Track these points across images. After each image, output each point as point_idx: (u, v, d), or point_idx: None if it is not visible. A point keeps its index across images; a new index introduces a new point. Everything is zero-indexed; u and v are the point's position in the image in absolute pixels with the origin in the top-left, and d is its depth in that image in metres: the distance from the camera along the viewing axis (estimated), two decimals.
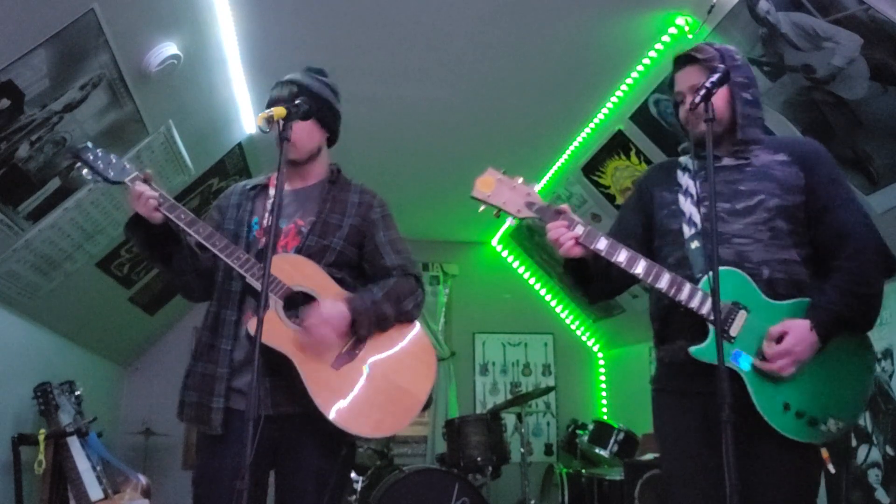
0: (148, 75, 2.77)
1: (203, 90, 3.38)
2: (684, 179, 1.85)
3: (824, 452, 1.66)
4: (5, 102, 2.27)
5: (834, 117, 2.79)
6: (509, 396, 5.82)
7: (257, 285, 1.76)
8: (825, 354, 1.62)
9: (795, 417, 1.61)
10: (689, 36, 3.10)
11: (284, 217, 1.96)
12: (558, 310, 6.40)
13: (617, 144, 4.09)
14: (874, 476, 2.99)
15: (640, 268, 1.71)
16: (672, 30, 3.17)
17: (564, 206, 1.76)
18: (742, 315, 1.66)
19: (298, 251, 1.90)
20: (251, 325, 1.70)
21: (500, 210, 1.77)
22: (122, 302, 4.27)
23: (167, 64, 2.78)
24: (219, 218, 2.02)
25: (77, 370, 3.96)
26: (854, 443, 3.09)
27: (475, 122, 4.05)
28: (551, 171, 4.76)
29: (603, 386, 6.21)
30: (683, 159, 1.90)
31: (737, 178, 1.77)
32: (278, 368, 1.80)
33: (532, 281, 6.42)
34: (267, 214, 1.96)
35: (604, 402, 6.15)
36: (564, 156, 4.55)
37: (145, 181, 1.84)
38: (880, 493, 2.96)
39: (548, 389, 4.92)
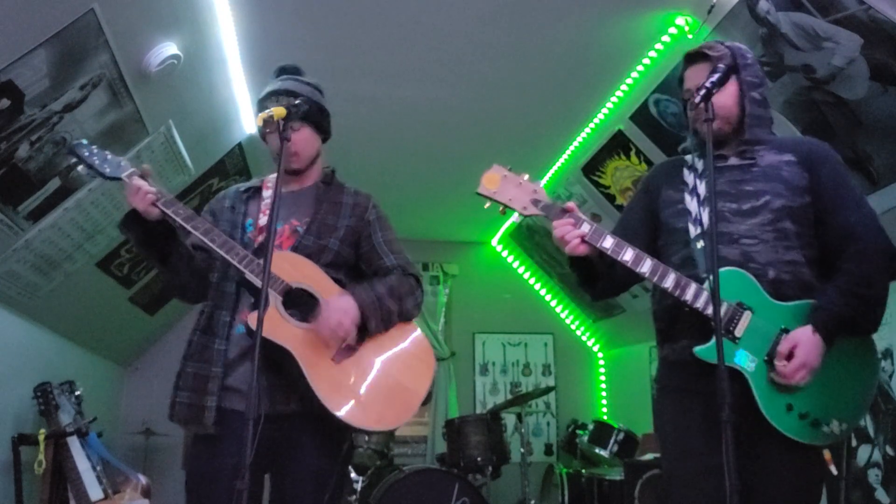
0: (148, 75, 2.77)
1: (203, 90, 3.38)
2: (691, 178, 1.84)
3: (827, 454, 1.66)
4: (5, 102, 2.27)
5: (834, 117, 2.79)
6: (509, 396, 5.82)
7: (256, 281, 1.76)
8: (829, 356, 1.62)
9: (799, 419, 1.61)
10: (689, 36, 3.10)
11: (279, 218, 1.96)
12: (558, 310, 6.40)
13: (617, 144, 4.09)
14: (874, 476, 2.99)
15: (645, 267, 1.70)
16: (672, 30, 3.17)
17: (570, 204, 1.76)
18: (747, 315, 1.66)
19: (294, 251, 1.90)
20: (251, 320, 1.69)
21: (505, 207, 1.76)
22: (122, 302, 4.27)
23: (167, 64, 2.78)
24: (212, 220, 2.00)
25: (77, 370, 3.96)
26: (854, 443, 3.09)
27: (475, 122, 4.05)
28: (551, 171, 4.76)
29: (603, 386, 6.21)
30: (690, 158, 1.89)
31: (743, 178, 1.77)
32: (276, 366, 1.79)
33: (532, 281, 6.42)
34: (263, 211, 1.96)
35: (604, 402, 6.15)
36: (564, 156, 4.55)
37: (143, 177, 1.83)
38: (880, 493, 2.96)
39: (548, 389, 4.92)
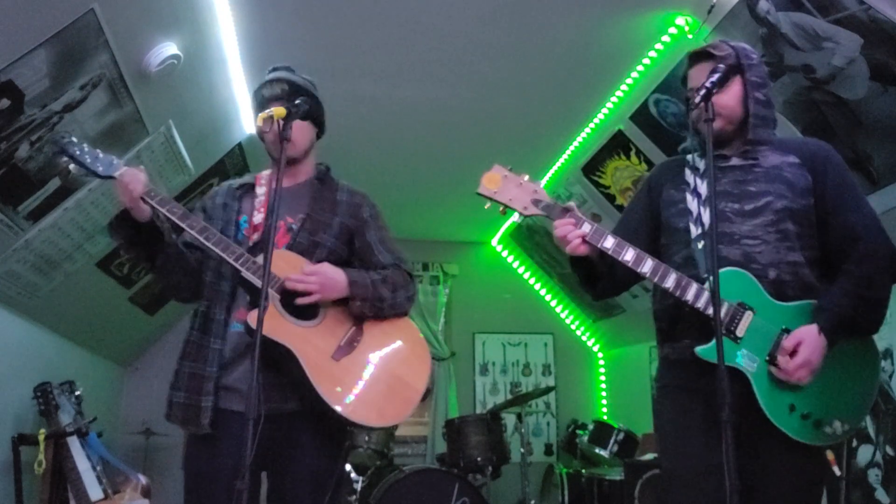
0: (148, 75, 2.77)
1: (203, 90, 3.38)
2: (692, 178, 1.84)
3: (830, 455, 1.66)
4: (5, 102, 2.27)
5: (834, 117, 2.79)
6: (509, 396, 5.82)
7: (254, 279, 1.76)
8: (831, 357, 1.62)
9: (801, 419, 1.61)
10: (689, 36, 3.10)
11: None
12: (558, 310, 6.40)
13: (617, 144, 4.09)
14: (874, 476, 2.99)
15: (646, 267, 1.70)
16: (672, 30, 3.17)
17: (571, 204, 1.76)
18: (748, 316, 1.66)
19: (289, 248, 1.90)
20: (251, 319, 1.69)
21: (506, 207, 1.76)
22: (122, 302, 4.27)
23: (167, 64, 2.78)
24: (204, 218, 1.99)
25: (77, 370, 3.96)
26: (855, 443, 3.09)
27: (475, 122, 4.05)
28: (551, 172, 4.76)
29: (603, 386, 6.21)
30: (691, 158, 1.89)
31: (745, 178, 1.77)
32: (273, 364, 1.78)
33: (532, 281, 6.42)
34: (258, 208, 1.95)
35: (604, 402, 6.16)
36: (564, 156, 4.55)
37: None
38: (880, 493, 2.96)
39: (548, 389, 4.92)
